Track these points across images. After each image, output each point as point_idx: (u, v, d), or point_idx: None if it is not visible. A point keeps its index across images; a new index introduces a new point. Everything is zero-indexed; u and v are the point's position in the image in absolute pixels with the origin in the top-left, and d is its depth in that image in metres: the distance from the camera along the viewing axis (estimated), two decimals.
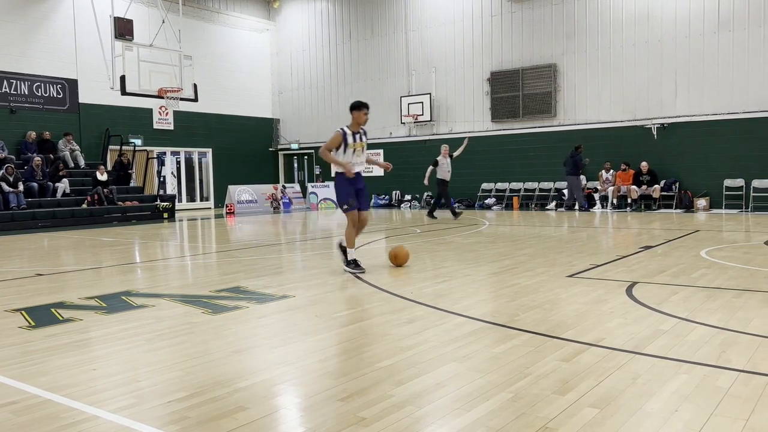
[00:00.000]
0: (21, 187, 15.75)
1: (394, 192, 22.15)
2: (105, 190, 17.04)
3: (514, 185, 19.70)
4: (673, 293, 5.47)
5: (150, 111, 21.03)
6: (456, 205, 16.68)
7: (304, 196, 22.75)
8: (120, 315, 5.11)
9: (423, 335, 4.24)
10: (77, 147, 18.83)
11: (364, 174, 7.29)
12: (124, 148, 19.60)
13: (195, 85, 17.57)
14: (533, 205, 18.98)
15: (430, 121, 21.02)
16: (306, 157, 24.97)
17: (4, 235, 13.59)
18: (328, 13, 23.63)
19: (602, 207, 17.45)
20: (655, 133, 17.02)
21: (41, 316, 5.13)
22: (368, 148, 7.42)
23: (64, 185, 17.03)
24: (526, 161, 19.38)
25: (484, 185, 20.12)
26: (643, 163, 16.98)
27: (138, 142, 20.34)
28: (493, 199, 19.62)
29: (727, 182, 16.22)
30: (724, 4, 16.08)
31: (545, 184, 19.14)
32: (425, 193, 21.17)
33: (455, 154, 15.26)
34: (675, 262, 7.31)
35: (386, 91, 22.17)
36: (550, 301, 5.31)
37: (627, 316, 4.66)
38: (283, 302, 5.49)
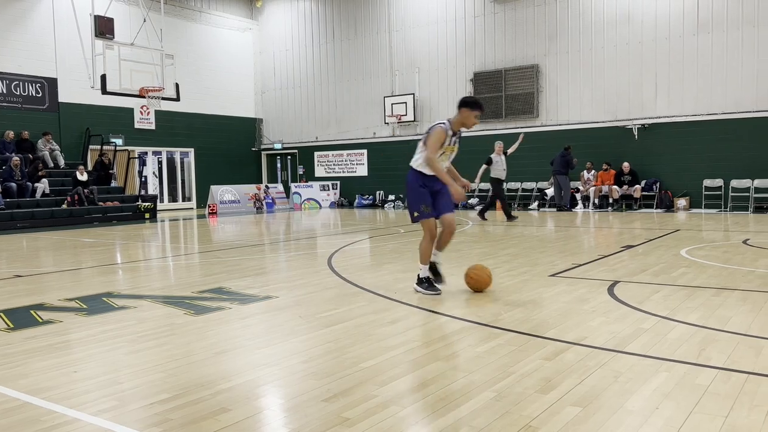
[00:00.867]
0: None
1: (378, 192, 22.14)
2: (85, 191, 16.84)
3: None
4: (653, 292, 5.53)
5: (131, 110, 20.82)
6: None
7: (288, 197, 22.68)
8: (101, 316, 5.05)
9: (407, 335, 4.25)
10: (57, 147, 18.58)
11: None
12: (104, 147, 19.39)
13: (177, 85, 17.43)
14: (516, 205, 19.08)
15: (414, 121, 21.05)
16: (289, 157, 24.89)
17: None
18: (311, 12, 23.58)
19: (584, 207, 17.59)
20: (636, 133, 17.20)
21: (20, 318, 5.06)
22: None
23: (43, 185, 16.80)
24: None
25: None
26: (625, 164, 17.15)
27: (119, 141, 20.13)
28: (477, 200, 19.70)
29: (707, 182, 16.43)
30: (702, 7, 16.28)
31: (528, 184, 19.25)
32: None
33: (509, 150, 14.65)
34: (656, 261, 7.39)
35: (370, 91, 22.17)
36: (532, 300, 5.34)
37: (609, 315, 4.71)
38: (267, 303, 5.47)
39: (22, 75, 18.32)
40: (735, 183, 16.04)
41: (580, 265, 7.12)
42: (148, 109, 20.66)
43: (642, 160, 17.24)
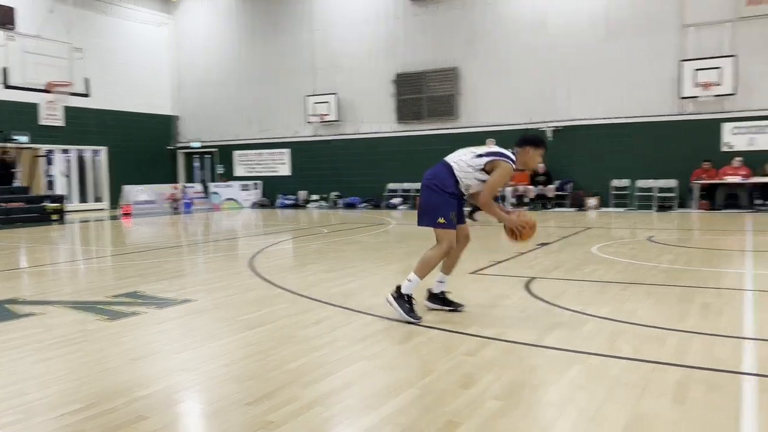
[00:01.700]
0: None
1: (300, 192, 21.93)
2: None
3: (420, 185, 20.00)
4: (567, 288, 5.77)
5: (36, 106, 19.66)
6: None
7: (207, 197, 22.10)
8: (3, 324, 4.74)
9: (331, 335, 4.23)
10: None
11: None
12: (7, 145, 18.21)
13: (86, 80, 16.62)
14: None
15: (338, 121, 21.01)
16: (208, 156, 24.25)
17: None
18: (230, 8, 23.06)
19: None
20: (550, 135, 17.87)
21: None
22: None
23: None
24: (431, 162, 19.67)
25: (390, 185, 20.36)
26: (540, 165, 17.79)
27: (24, 138, 18.96)
28: (400, 199, 19.90)
29: (615, 182, 17.29)
30: (612, 16, 17.12)
31: None
32: (331, 193, 21.11)
33: None
34: (569, 258, 7.71)
35: (291, 90, 21.90)
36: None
37: (526, 311, 4.87)
38: (185, 307, 5.30)
39: None
40: (640, 183, 16.97)
41: (499, 263, 7.33)
42: (55, 104, 19.57)
43: (556, 161, 17.92)
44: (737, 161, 15.43)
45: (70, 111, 20.23)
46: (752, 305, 4.90)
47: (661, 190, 16.74)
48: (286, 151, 22.34)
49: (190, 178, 24.31)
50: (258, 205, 22.01)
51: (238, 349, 3.96)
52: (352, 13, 20.78)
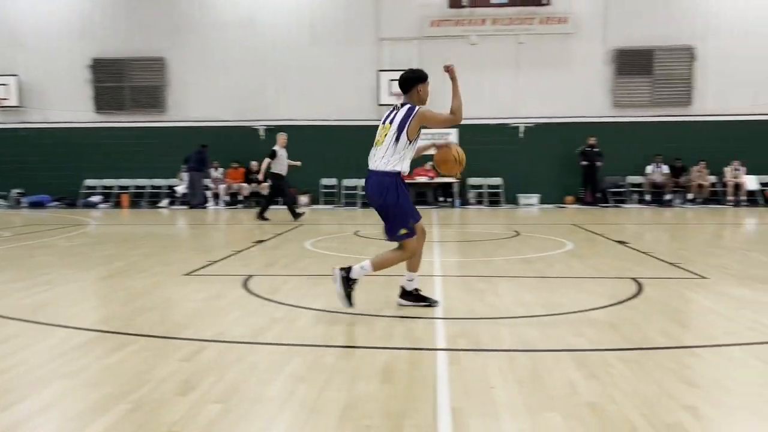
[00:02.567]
0: None
1: None
2: None
3: (124, 182, 18.54)
4: (284, 283, 5.89)
5: None
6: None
7: None
8: None
9: (20, 355, 3.66)
10: None
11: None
12: None
13: None
14: (145, 203, 18.21)
15: (20, 107, 18.28)
16: None
17: None
18: None
19: (215, 204, 17.75)
20: (262, 134, 18.09)
21: None
22: None
23: None
24: (136, 157, 18.41)
25: (89, 181, 18.46)
26: (253, 162, 17.87)
27: None
28: (100, 197, 18.17)
29: (324, 181, 18.25)
30: (317, 23, 17.98)
31: (158, 181, 18.53)
32: (13, 190, 18.30)
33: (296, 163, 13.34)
34: (285, 254, 7.90)
35: None
36: (166, 301, 5.17)
37: (244, 309, 4.84)
38: None
39: None
40: (346, 182, 18.19)
41: (215, 262, 7.16)
42: None
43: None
44: (429, 165, 17.48)
45: None
46: (441, 289, 5.59)
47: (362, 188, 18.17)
48: None
49: None
50: None
51: None
52: None
